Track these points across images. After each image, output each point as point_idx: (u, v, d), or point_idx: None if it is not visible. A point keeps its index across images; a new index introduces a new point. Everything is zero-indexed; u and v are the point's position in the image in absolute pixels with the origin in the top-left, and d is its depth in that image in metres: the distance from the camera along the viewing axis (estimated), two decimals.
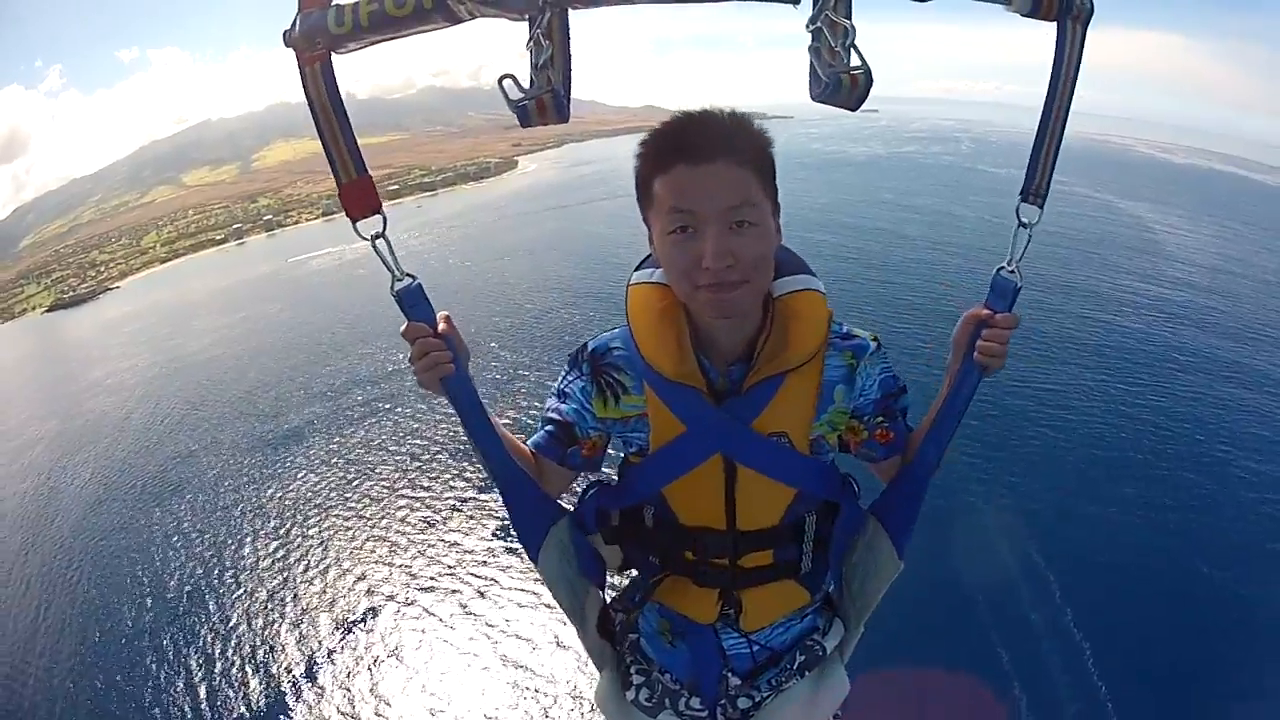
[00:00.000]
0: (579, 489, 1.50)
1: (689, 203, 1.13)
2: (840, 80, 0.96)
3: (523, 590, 14.68)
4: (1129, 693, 11.18)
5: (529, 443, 1.47)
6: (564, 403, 1.41)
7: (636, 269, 1.39)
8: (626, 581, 1.64)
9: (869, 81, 0.96)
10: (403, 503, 18.46)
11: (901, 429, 1.41)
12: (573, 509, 1.48)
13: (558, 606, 1.51)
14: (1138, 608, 12.76)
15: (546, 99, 1.01)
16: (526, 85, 1.02)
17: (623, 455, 1.46)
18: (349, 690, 13.24)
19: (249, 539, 18.20)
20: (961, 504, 15.19)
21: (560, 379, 1.42)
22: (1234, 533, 14.65)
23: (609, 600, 1.64)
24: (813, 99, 1.02)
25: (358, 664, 13.80)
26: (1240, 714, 10.97)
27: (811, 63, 0.99)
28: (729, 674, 1.49)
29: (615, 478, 1.47)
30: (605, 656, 1.62)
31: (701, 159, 1.12)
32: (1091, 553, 14.18)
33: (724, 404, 1.27)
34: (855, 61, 0.96)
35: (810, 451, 1.33)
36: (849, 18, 0.95)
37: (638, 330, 1.31)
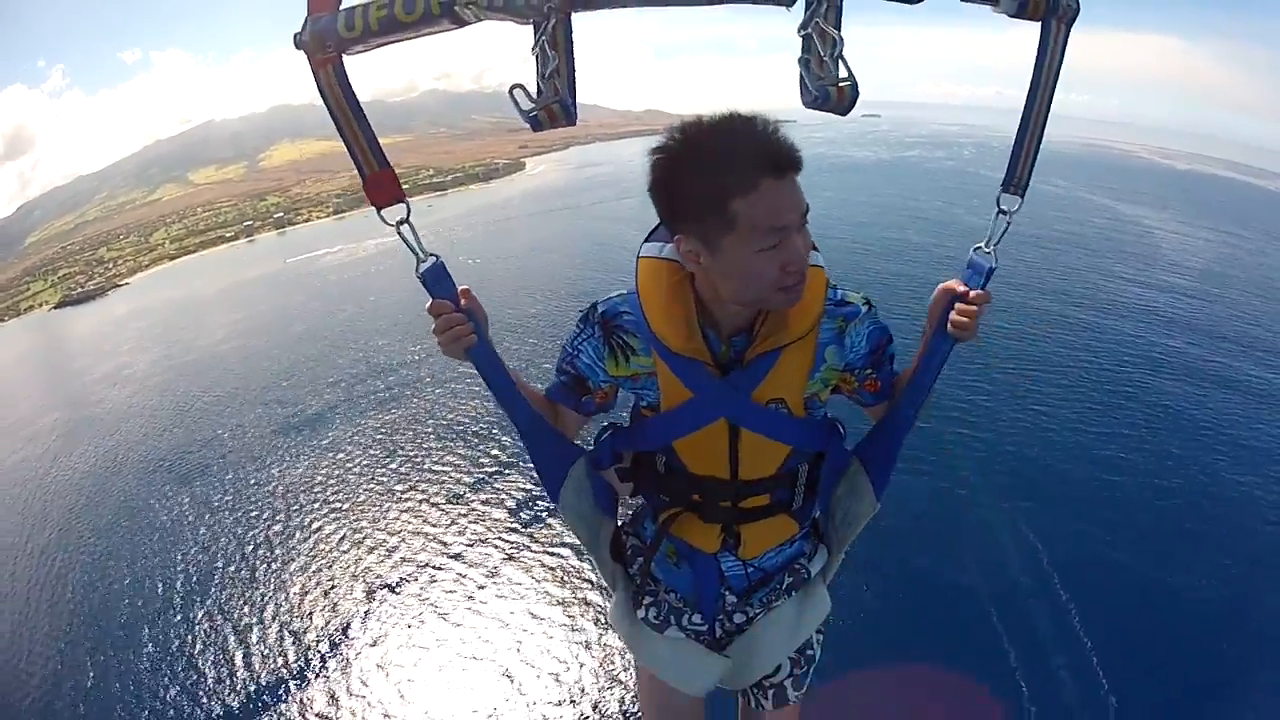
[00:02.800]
0: (594, 427, 1.65)
1: (785, 219, 1.18)
2: (828, 93, 1.00)
3: (550, 554, 15.08)
4: (1132, 687, 11.29)
5: (545, 390, 1.59)
6: (577, 357, 1.49)
7: (646, 240, 1.44)
8: (635, 506, 1.75)
9: (855, 94, 1.01)
10: (429, 479, 18.75)
11: (888, 377, 1.51)
12: (589, 449, 1.61)
13: (574, 538, 1.64)
14: (1137, 601, 12.93)
15: (555, 108, 1.05)
16: (534, 92, 1.06)
17: (634, 403, 1.55)
18: (390, 649, 13.61)
19: (280, 515, 18.50)
20: (961, 499, 15.55)
21: (573, 335, 1.50)
22: (1234, 524, 14.85)
23: (620, 525, 1.76)
24: (804, 106, 1.07)
25: (395, 625, 14.16)
26: (1238, 708, 11.08)
27: (801, 74, 1.03)
28: (726, 593, 1.63)
29: (627, 418, 1.60)
30: (618, 577, 1.74)
31: (784, 173, 1.16)
32: (1092, 545, 14.34)
33: (727, 375, 1.36)
34: (843, 74, 1.00)
35: (805, 410, 1.44)
36: (838, 27, 0.99)
37: (647, 303, 1.37)
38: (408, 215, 1.29)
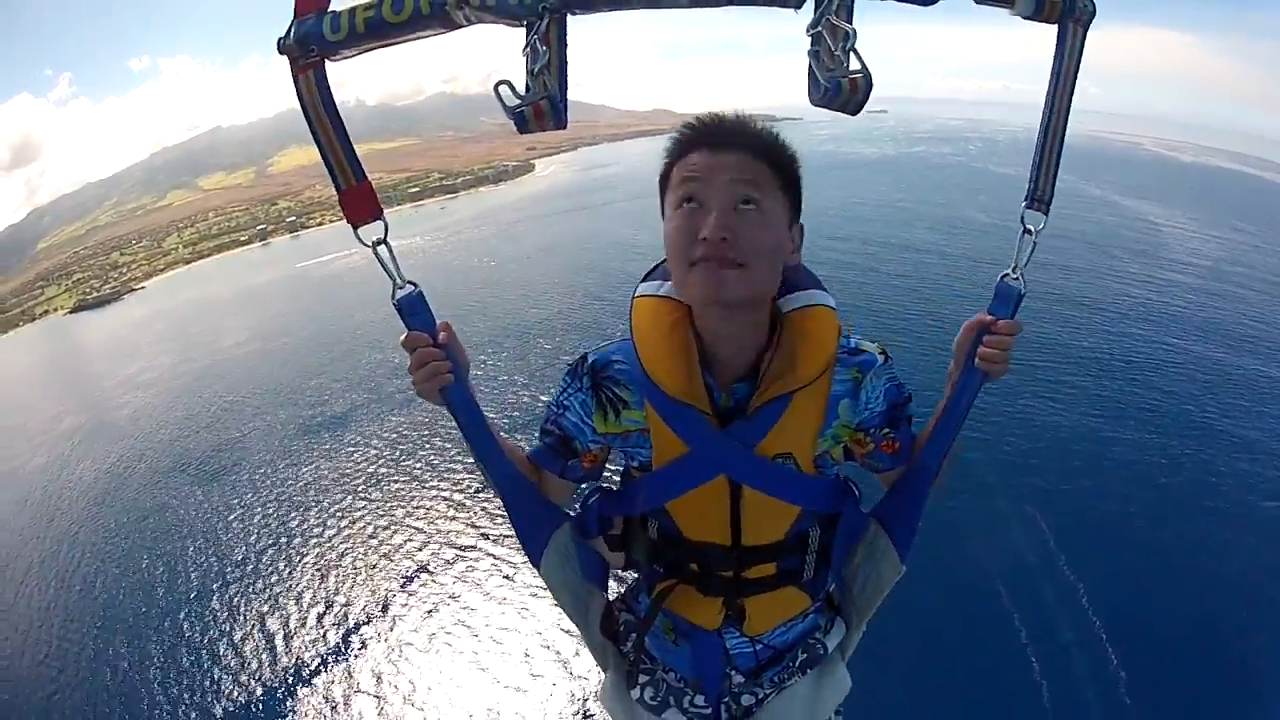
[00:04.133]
0: (582, 490, 1.51)
1: (697, 176, 1.13)
2: (840, 85, 0.95)
3: None
4: (1140, 660, 11.51)
5: (528, 454, 1.44)
6: (563, 415, 1.35)
7: (643, 279, 1.34)
8: (630, 579, 1.63)
9: (869, 85, 0.95)
10: (458, 470, 19.04)
11: (907, 438, 1.37)
12: (574, 514, 1.48)
13: (560, 608, 1.52)
14: (1143, 577, 13.23)
15: (543, 105, 0.98)
16: (523, 91, 0.99)
17: (624, 465, 1.42)
18: (431, 625, 14.09)
19: (309, 510, 18.85)
20: (969, 482, 15.59)
21: (559, 390, 1.36)
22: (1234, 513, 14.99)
23: (612, 600, 1.63)
24: (812, 103, 1.00)
25: (435, 603, 14.63)
26: (1243, 679, 11.23)
27: (811, 67, 0.97)
28: (732, 672, 1.48)
29: (617, 480, 1.45)
30: (609, 655, 1.60)
31: (719, 147, 1.13)
32: (1098, 524, 14.58)
33: (728, 426, 1.22)
34: (855, 66, 0.95)
35: (815, 468, 1.29)
36: (850, 21, 0.94)
37: (641, 343, 1.25)
38: (385, 234, 1.19)
